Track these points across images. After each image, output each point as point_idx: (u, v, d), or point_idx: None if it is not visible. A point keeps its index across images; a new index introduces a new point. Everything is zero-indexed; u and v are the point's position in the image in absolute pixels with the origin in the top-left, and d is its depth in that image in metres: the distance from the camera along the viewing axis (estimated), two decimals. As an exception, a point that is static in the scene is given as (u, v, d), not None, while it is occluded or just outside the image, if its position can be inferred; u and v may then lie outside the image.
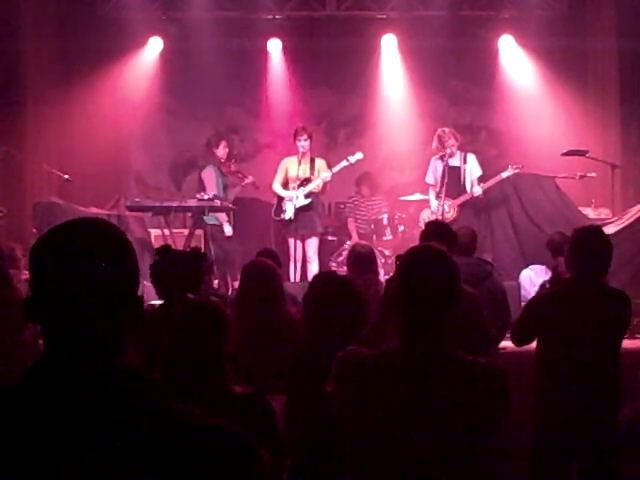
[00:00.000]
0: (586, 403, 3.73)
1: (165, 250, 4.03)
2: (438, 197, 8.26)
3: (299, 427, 3.26)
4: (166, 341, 2.77)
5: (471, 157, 8.40)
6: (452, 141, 8.23)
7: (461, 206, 8.22)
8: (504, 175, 8.25)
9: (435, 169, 8.41)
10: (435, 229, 4.47)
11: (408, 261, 2.43)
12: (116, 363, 1.39)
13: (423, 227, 4.71)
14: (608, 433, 3.78)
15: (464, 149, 8.48)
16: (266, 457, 1.43)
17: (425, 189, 8.74)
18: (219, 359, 2.68)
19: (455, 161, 8.31)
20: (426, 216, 8.23)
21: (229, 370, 2.71)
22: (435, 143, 8.34)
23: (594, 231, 4.02)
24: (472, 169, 8.34)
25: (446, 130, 8.35)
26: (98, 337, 1.37)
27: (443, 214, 8.06)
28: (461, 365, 2.32)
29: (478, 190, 8.21)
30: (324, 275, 4.09)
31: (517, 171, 8.24)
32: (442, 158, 8.26)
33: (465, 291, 3.83)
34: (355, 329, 3.39)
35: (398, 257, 2.67)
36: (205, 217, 8.21)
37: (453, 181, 8.21)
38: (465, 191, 8.27)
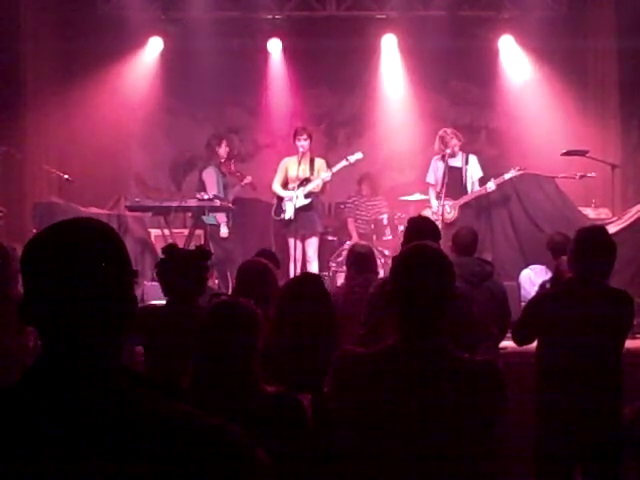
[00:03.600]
0: (588, 404, 3.72)
1: (171, 249, 4.04)
2: (439, 197, 8.26)
3: None
4: (196, 340, 2.74)
5: (473, 158, 8.40)
6: (454, 141, 8.24)
7: (462, 207, 8.21)
8: (507, 177, 8.24)
9: (437, 169, 8.40)
10: (418, 226, 4.48)
11: (403, 260, 2.43)
12: (113, 364, 1.39)
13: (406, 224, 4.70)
14: (610, 434, 3.77)
15: (465, 150, 8.47)
16: (264, 458, 1.43)
17: (425, 189, 8.73)
18: (251, 358, 2.65)
19: (457, 162, 8.31)
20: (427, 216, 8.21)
21: (261, 370, 2.70)
22: (437, 144, 8.34)
23: (598, 231, 4.01)
24: (473, 170, 8.34)
25: (448, 131, 8.36)
26: (94, 337, 1.37)
27: (444, 214, 8.06)
28: (457, 363, 2.33)
29: (491, 185, 8.17)
30: (296, 277, 4.13)
31: (520, 173, 8.23)
32: (443, 158, 8.27)
33: (455, 287, 3.83)
34: (325, 329, 3.40)
35: (394, 258, 2.67)
36: (204, 217, 8.22)
37: (454, 182, 8.20)
38: (466, 192, 8.26)
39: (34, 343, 4.11)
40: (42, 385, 1.34)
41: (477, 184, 8.31)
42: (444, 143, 8.25)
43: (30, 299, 1.38)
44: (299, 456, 2.55)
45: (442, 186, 8.13)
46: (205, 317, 2.76)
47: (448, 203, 8.16)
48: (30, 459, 1.29)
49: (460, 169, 8.28)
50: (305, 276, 4.01)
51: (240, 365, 2.63)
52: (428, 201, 8.59)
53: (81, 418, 1.31)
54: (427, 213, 8.33)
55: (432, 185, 8.49)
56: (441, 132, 8.37)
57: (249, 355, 2.66)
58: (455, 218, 8.04)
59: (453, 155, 8.26)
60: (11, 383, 1.37)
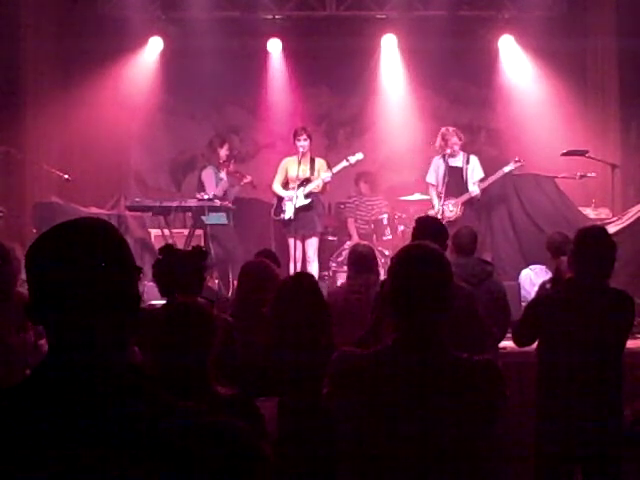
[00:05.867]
0: (588, 404, 3.72)
1: (168, 249, 4.04)
2: (439, 197, 8.26)
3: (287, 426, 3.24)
4: (152, 340, 2.74)
5: (474, 159, 8.40)
6: (455, 139, 8.25)
7: (464, 205, 8.21)
8: (506, 170, 8.25)
9: (438, 168, 8.40)
10: (428, 226, 4.47)
11: (400, 260, 2.42)
12: (119, 362, 1.40)
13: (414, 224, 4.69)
14: (611, 434, 3.77)
15: (466, 149, 8.47)
16: (269, 453, 1.43)
17: (425, 189, 8.72)
18: (203, 360, 2.66)
19: (457, 161, 8.32)
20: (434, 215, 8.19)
21: (214, 371, 2.69)
22: (439, 141, 8.35)
23: (598, 232, 4.01)
24: (474, 170, 8.33)
25: (450, 129, 8.37)
26: (99, 336, 1.38)
27: (444, 213, 8.05)
28: (456, 363, 2.32)
29: (475, 189, 8.21)
30: (288, 277, 4.13)
31: (519, 164, 8.25)
32: (444, 157, 8.28)
33: (461, 287, 3.84)
34: (319, 327, 3.41)
35: (392, 258, 2.67)
36: (204, 217, 8.22)
37: (455, 181, 8.21)
38: (467, 192, 8.27)
39: (34, 342, 4.11)
40: (49, 384, 1.35)
41: (478, 184, 8.31)
42: (444, 140, 8.26)
43: (36, 300, 1.39)
44: None
45: (443, 185, 8.15)
46: (161, 318, 2.76)
47: (450, 202, 8.17)
48: (36, 458, 1.29)
49: (461, 169, 8.29)
50: (297, 276, 4.02)
51: (192, 366, 2.63)
52: (429, 201, 8.57)
53: (87, 416, 1.32)
54: (431, 214, 8.32)
55: (432, 185, 8.49)
56: (443, 129, 8.41)
57: (201, 356, 2.66)
58: (458, 216, 8.04)
59: (454, 155, 8.27)
60: (13, 381, 1.38)
